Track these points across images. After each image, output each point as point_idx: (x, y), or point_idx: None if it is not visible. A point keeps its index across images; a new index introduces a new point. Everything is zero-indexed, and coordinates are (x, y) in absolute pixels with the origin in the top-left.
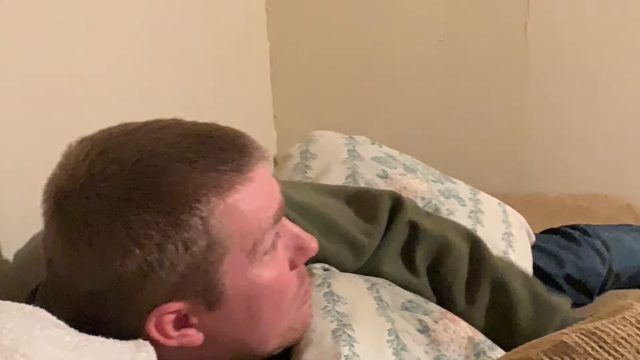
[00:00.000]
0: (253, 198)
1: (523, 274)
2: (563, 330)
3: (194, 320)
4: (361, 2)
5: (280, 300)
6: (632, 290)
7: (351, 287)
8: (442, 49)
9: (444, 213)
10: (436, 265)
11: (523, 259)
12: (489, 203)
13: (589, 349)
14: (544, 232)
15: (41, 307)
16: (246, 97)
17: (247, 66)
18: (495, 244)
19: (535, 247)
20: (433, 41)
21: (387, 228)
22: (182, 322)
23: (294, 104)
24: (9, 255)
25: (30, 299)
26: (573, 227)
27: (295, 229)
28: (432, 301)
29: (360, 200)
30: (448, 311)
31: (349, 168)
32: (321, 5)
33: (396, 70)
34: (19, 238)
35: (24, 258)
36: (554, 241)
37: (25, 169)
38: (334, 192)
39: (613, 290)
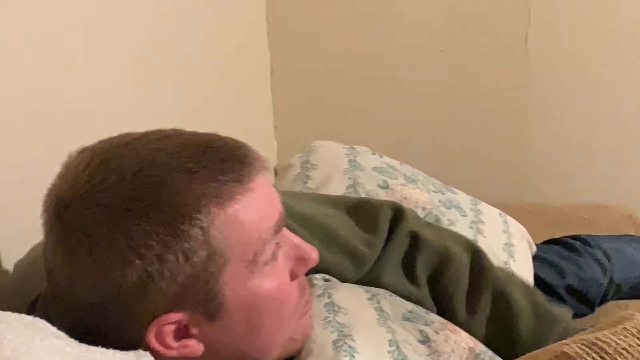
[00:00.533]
0: (253, 208)
1: (524, 285)
2: (564, 341)
3: (194, 330)
4: (362, 12)
5: (280, 310)
6: (633, 300)
7: (352, 297)
8: (442, 59)
9: (444, 223)
10: (437, 276)
11: (524, 270)
12: (490, 213)
13: None
14: (545, 242)
15: (41, 317)
16: (247, 107)
17: (247, 76)
18: (496, 255)
19: (536, 258)
20: (434, 51)
21: (388, 238)
22: (182, 332)
23: (294, 114)
24: (9, 266)
25: (31, 310)
26: (574, 237)
27: (296, 240)
28: (432, 312)
29: (361, 211)
30: (449, 322)
31: (349, 178)
32: (322, 16)
33: (397, 80)
34: (19, 248)
35: (24, 268)
36: (555, 252)
37: (25, 179)
38: (334, 202)
39: (614, 301)
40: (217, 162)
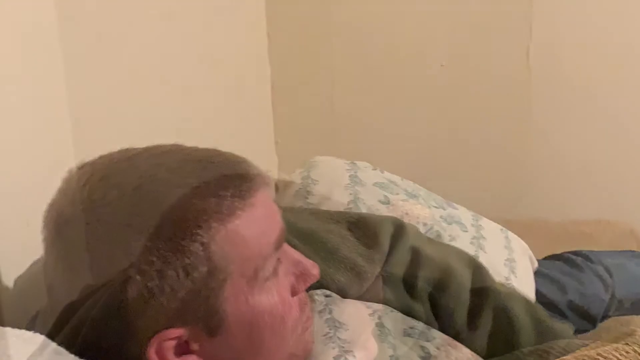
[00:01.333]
0: (254, 224)
1: (525, 301)
2: (566, 357)
3: (194, 346)
4: (363, 27)
5: (281, 326)
6: (635, 316)
7: (353, 313)
8: (444, 74)
9: (446, 239)
10: (438, 292)
11: (525, 285)
12: (491, 229)
13: None
14: (546, 258)
15: (41, 333)
16: (248, 122)
17: (248, 91)
18: (497, 270)
19: (537, 273)
20: (435, 65)
21: (389, 254)
22: (183, 348)
23: (295, 129)
24: (10, 282)
25: (31, 325)
26: (576, 253)
27: (297, 255)
28: (434, 327)
29: (362, 226)
30: (450, 337)
31: (350, 194)
32: (322, 31)
33: (398, 95)
34: (20, 264)
35: (24, 284)
36: (556, 267)
37: (25, 194)
38: (335, 218)
39: (616, 317)
40: (217, 177)
